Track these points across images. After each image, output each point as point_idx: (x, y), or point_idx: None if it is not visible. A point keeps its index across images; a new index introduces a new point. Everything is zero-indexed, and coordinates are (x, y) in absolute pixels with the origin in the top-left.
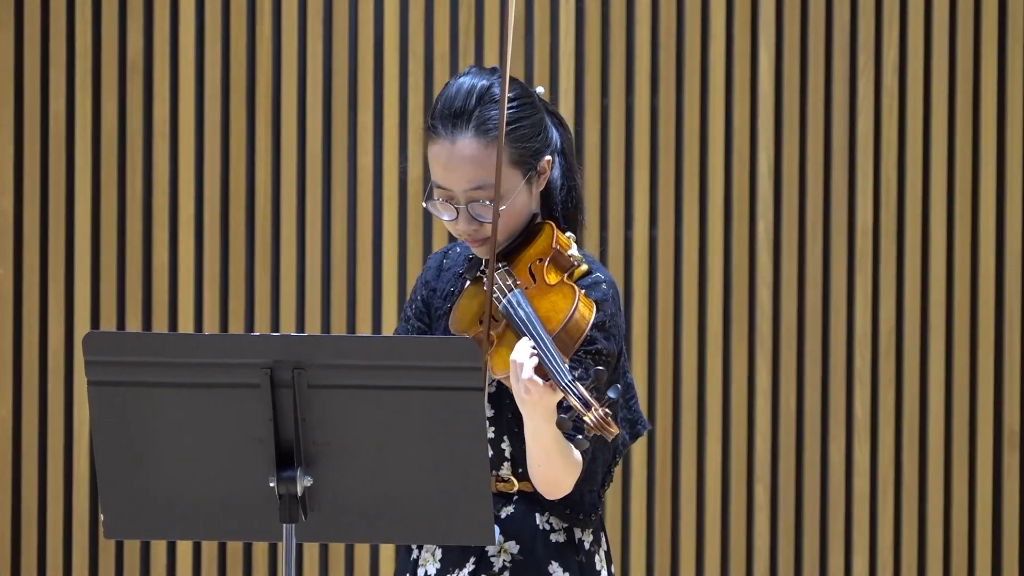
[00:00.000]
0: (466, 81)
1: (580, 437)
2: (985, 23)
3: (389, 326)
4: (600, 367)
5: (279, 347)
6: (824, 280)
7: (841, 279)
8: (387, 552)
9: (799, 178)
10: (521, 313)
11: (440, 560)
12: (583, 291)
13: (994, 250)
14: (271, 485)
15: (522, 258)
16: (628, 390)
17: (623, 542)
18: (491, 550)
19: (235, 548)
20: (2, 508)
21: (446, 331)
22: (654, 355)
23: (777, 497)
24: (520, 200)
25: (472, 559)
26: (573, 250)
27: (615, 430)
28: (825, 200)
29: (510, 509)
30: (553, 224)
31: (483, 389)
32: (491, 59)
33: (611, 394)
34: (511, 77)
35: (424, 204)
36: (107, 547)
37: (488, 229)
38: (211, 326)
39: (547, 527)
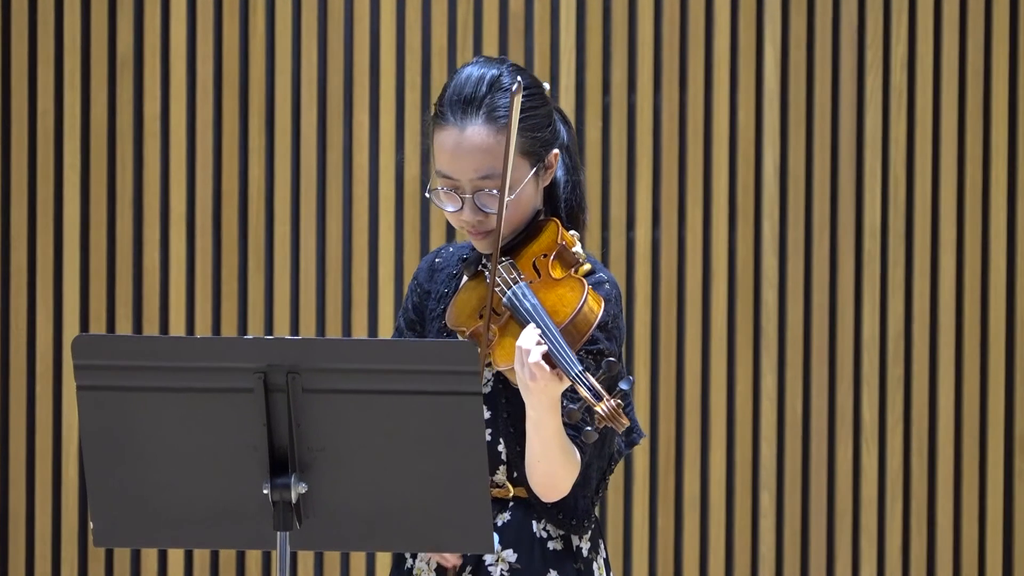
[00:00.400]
0: (476, 69)
1: (589, 428)
2: (996, 18)
3: (385, 329)
4: (612, 358)
5: (273, 350)
6: (831, 282)
7: (848, 281)
8: (383, 561)
9: (805, 177)
10: (527, 304)
11: (436, 570)
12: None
13: (1005, 251)
14: (265, 492)
15: (526, 253)
16: (625, 396)
17: (625, 550)
18: (488, 559)
19: (228, 557)
20: None
21: (441, 331)
22: (657, 358)
23: (783, 504)
24: (527, 192)
25: (468, 568)
26: (578, 248)
27: (626, 422)
28: (832, 200)
29: (506, 516)
30: (558, 221)
31: (481, 394)
32: (490, 54)
33: (623, 386)
34: (523, 69)
35: (427, 194)
36: (97, 556)
37: (493, 221)
38: (203, 329)
39: (544, 535)
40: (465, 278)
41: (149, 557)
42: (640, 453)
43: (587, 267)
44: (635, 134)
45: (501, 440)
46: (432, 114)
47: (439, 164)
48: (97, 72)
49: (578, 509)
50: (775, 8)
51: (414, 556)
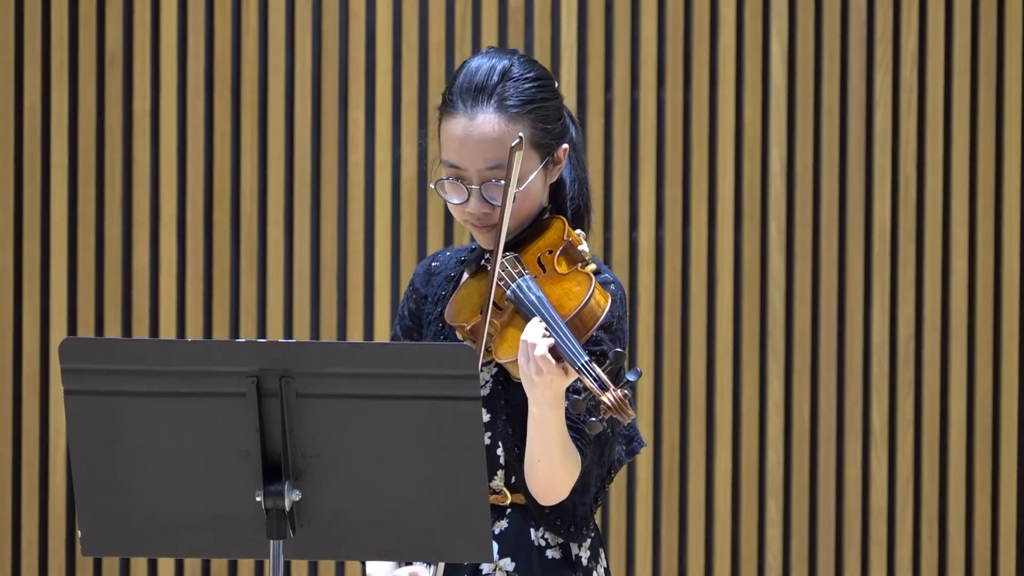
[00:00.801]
0: (487, 58)
1: (594, 419)
2: (1009, 11)
3: (381, 332)
4: (620, 349)
5: (266, 354)
6: (839, 283)
7: (857, 282)
8: None
9: (813, 176)
10: (532, 297)
11: None
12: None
13: (1018, 251)
14: (258, 499)
15: (530, 249)
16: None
17: (628, 559)
18: (486, 567)
19: (220, 566)
20: None
21: (438, 334)
22: (661, 362)
23: (790, 512)
24: (535, 185)
25: None
26: (584, 247)
27: (632, 413)
28: (840, 199)
29: (504, 524)
30: (564, 219)
31: (480, 398)
32: None
33: (630, 377)
34: (535, 60)
35: (431, 185)
36: (85, 565)
37: (499, 213)
38: (194, 332)
39: (542, 543)
40: (466, 276)
41: (139, 566)
42: (644, 460)
43: (592, 267)
44: (638, 132)
45: (500, 444)
46: (440, 104)
47: (446, 154)
48: (85, 69)
49: (576, 516)
50: (782, 2)
51: (408, 563)
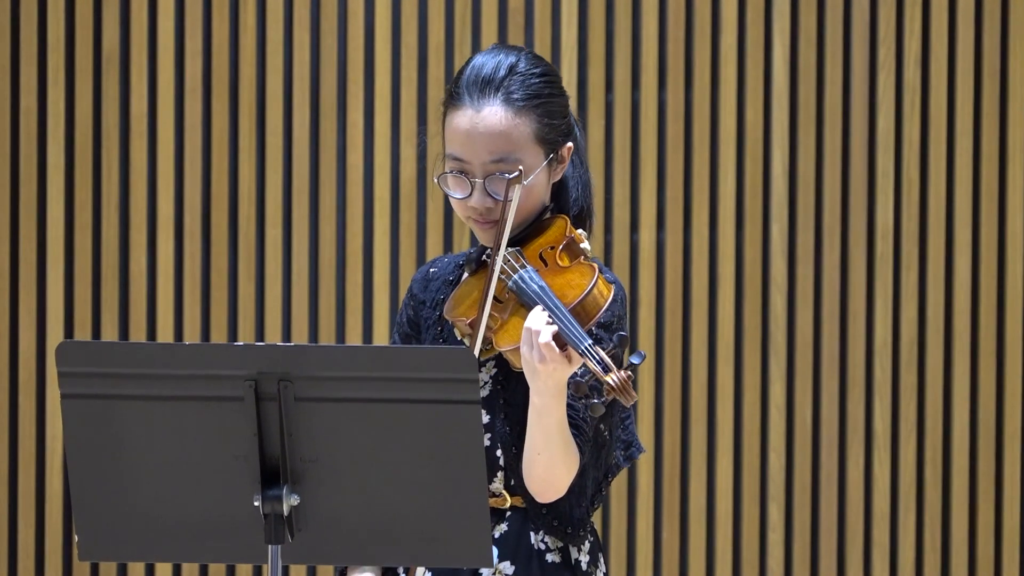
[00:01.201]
0: (494, 53)
1: (596, 401)
2: (1013, 12)
3: (380, 334)
4: (623, 332)
5: (264, 357)
6: (842, 287)
7: (860, 285)
8: None
9: (815, 178)
10: (534, 286)
11: None
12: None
13: (1022, 253)
14: (256, 504)
15: (532, 245)
16: (625, 409)
17: (628, 564)
18: (485, 571)
19: (218, 571)
20: None
21: (437, 338)
22: (662, 366)
23: (792, 517)
24: (539, 181)
25: None
26: (586, 244)
27: (635, 396)
28: (843, 202)
29: (504, 527)
30: (567, 218)
31: (480, 402)
32: None
33: (634, 360)
34: (541, 57)
35: (435, 180)
36: (82, 570)
37: (509, 188)
38: (192, 335)
39: (542, 546)
40: (466, 275)
41: (136, 571)
42: (644, 464)
43: (595, 266)
44: (639, 133)
45: (499, 445)
46: (444, 98)
47: (451, 147)
48: (82, 69)
49: (573, 517)
50: (784, 3)
51: (406, 569)
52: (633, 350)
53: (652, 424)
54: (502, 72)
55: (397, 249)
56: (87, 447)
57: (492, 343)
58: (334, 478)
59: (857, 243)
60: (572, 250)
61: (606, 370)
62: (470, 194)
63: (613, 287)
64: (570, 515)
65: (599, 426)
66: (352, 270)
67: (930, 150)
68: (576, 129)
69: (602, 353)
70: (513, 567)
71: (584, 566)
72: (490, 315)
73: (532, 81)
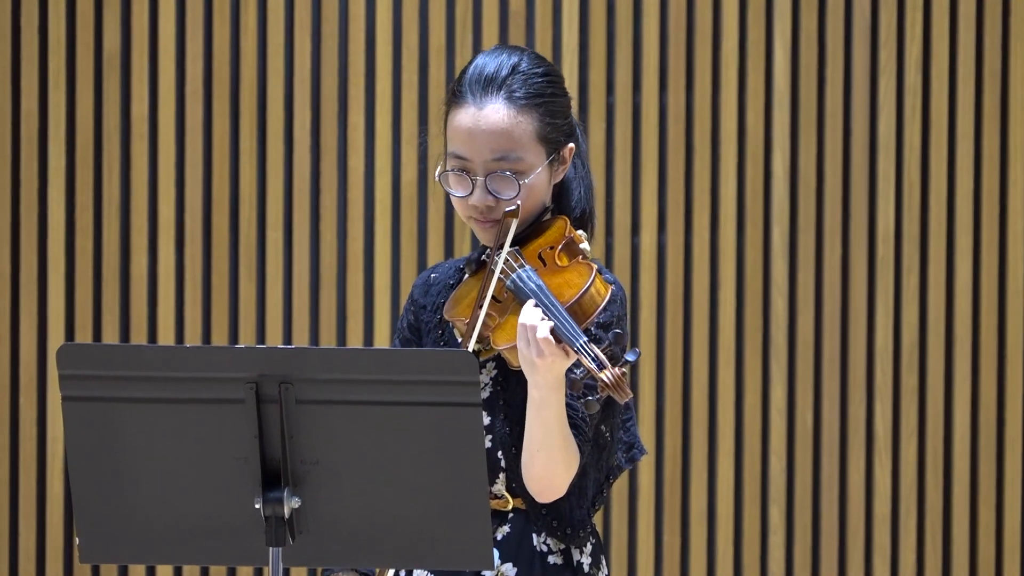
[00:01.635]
0: (497, 53)
1: (591, 398)
2: (1014, 15)
3: (381, 337)
4: (619, 330)
5: (265, 360)
6: (843, 289)
7: (861, 288)
8: None
9: (816, 181)
10: (532, 284)
11: None
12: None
13: (1022, 256)
14: (257, 506)
15: (532, 245)
16: (627, 411)
17: (630, 567)
18: (486, 574)
19: (218, 573)
20: None
21: (438, 341)
22: (663, 368)
23: (793, 519)
24: (540, 181)
25: None
26: (585, 245)
27: (630, 393)
28: (844, 204)
29: (506, 529)
30: (567, 219)
31: (481, 404)
32: None
33: (629, 357)
34: (544, 57)
35: (436, 178)
36: (83, 572)
37: (503, 208)
38: (193, 337)
39: (544, 548)
40: (467, 275)
41: (137, 574)
42: (645, 466)
43: (594, 267)
44: (640, 136)
45: (500, 447)
46: (447, 97)
47: (453, 145)
48: (83, 72)
49: (573, 519)
50: (785, 6)
51: (408, 572)
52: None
53: (653, 426)
54: (505, 71)
55: (398, 251)
56: (88, 449)
57: (490, 342)
58: (335, 480)
59: (858, 246)
60: (571, 250)
61: (600, 367)
62: (471, 192)
63: (611, 287)
64: (570, 516)
65: (600, 427)
66: (353, 272)
67: (931, 153)
68: (578, 131)
69: (596, 350)
70: (515, 569)
71: (586, 568)
72: (488, 314)
73: (535, 80)
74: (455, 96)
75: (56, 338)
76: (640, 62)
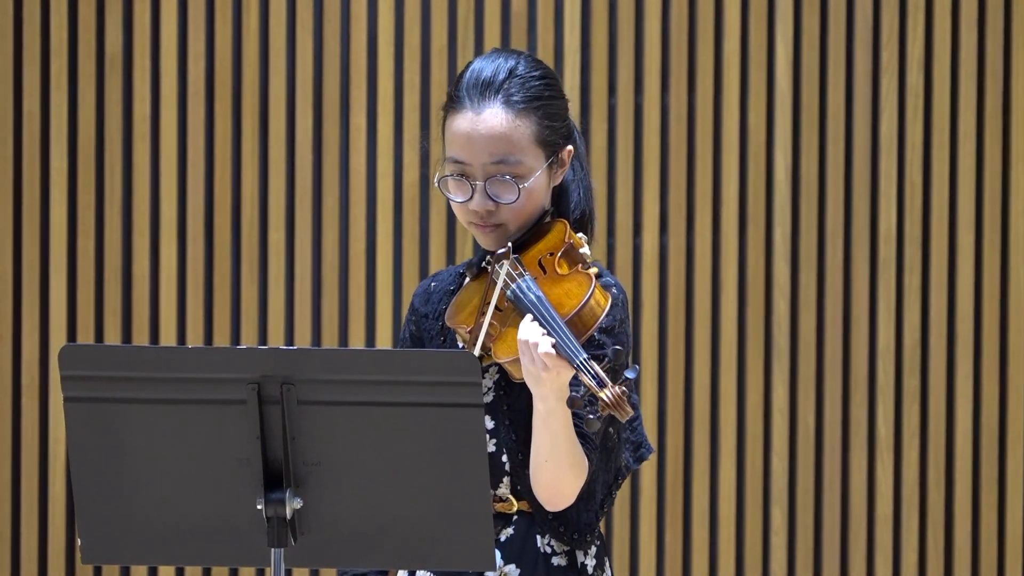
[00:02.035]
0: (493, 57)
1: (592, 416)
2: (1016, 16)
3: (383, 338)
4: (619, 346)
5: (267, 361)
6: (845, 290)
7: (863, 289)
8: None
9: (818, 182)
10: (532, 296)
11: None
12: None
13: None
14: (259, 507)
15: (531, 251)
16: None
17: (632, 568)
18: (489, 575)
19: (220, 574)
20: None
21: (440, 347)
22: (664, 369)
23: (795, 520)
24: (539, 184)
25: None
26: (586, 249)
27: (630, 411)
28: (846, 205)
29: (509, 531)
30: (566, 222)
31: (483, 405)
32: None
33: (629, 374)
34: (541, 60)
35: (435, 183)
36: (85, 573)
37: (503, 213)
38: (195, 338)
39: (548, 550)
40: (467, 280)
41: (139, 575)
42: (647, 467)
43: (594, 270)
44: (642, 137)
45: (504, 451)
46: (445, 102)
47: (451, 150)
48: (85, 72)
49: (581, 523)
50: (787, 6)
51: (411, 573)
52: (627, 366)
53: (655, 427)
54: (502, 75)
55: (400, 253)
56: (90, 450)
57: (491, 352)
58: (337, 481)
59: (860, 247)
60: (571, 256)
61: (601, 385)
62: (471, 197)
63: (611, 294)
64: (577, 520)
65: (608, 430)
66: (355, 274)
67: (933, 153)
68: (576, 133)
69: (596, 367)
70: (519, 570)
71: (590, 569)
72: (490, 323)
73: (532, 83)
74: (452, 101)
75: (58, 339)
76: (642, 63)
